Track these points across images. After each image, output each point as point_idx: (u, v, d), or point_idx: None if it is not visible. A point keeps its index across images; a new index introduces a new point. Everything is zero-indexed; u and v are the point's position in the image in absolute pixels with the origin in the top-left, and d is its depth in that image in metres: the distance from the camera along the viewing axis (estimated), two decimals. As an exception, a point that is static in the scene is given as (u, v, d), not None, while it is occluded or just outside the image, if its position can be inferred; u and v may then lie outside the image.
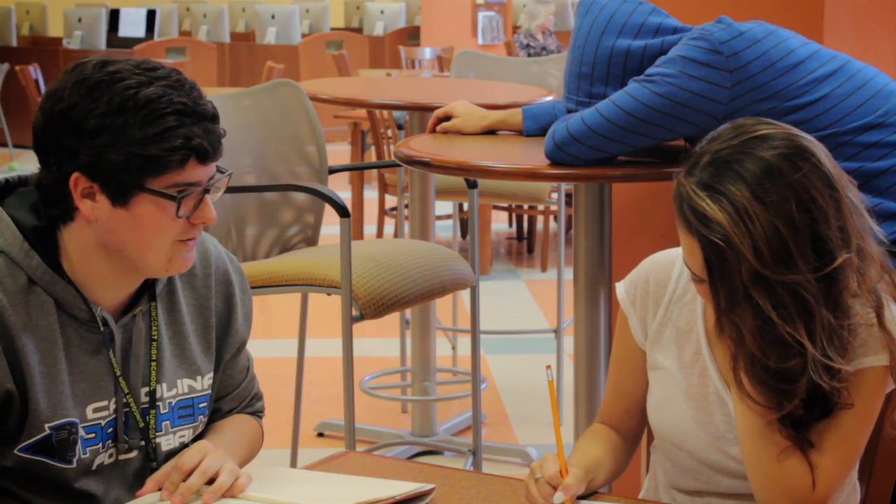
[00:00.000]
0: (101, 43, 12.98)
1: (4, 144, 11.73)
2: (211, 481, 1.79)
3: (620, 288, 2.06)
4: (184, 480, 1.78)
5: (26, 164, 11.48)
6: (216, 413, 2.04)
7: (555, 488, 1.79)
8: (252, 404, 2.11)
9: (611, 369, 2.09)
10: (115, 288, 1.85)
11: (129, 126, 1.73)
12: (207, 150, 1.77)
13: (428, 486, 1.84)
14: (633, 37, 2.76)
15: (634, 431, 2.09)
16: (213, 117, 1.80)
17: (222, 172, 1.85)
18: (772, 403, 1.80)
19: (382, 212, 7.13)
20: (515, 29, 12.04)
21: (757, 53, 2.59)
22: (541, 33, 10.30)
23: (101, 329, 1.84)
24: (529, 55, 9.99)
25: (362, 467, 2.01)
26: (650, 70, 2.67)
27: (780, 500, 1.84)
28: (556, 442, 1.84)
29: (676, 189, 1.81)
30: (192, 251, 1.85)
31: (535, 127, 3.14)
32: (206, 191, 1.81)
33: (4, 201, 1.85)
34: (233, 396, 2.07)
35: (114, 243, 1.80)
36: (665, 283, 2.02)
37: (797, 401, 1.80)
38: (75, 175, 1.76)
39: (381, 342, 5.70)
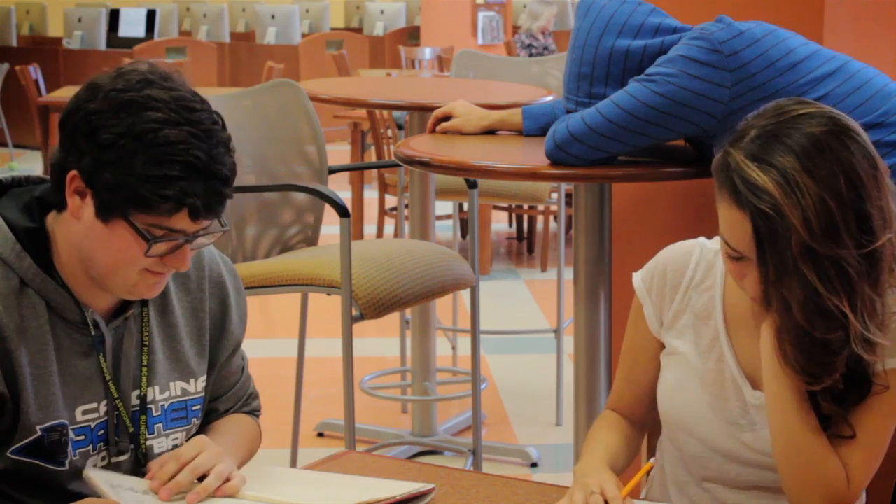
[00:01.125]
0: (101, 43, 12.98)
1: (4, 144, 11.72)
2: (204, 478, 1.79)
3: (637, 277, 2.07)
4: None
5: (26, 164, 11.48)
6: (212, 413, 2.04)
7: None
8: (248, 403, 2.11)
9: (622, 357, 2.10)
10: (102, 291, 1.84)
11: (136, 157, 1.71)
12: (199, 211, 1.73)
13: (428, 487, 1.84)
14: (633, 37, 2.76)
15: (643, 419, 2.10)
16: (226, 179, 1.75)
17: (223, 225, 1.82)
18: (813, 375, 1.81)
19: (382, 212, 7.13)
20: (515, 29, 12.04)
21: (757, 53, 2.59)
22: (541, 34, 10.30)
23: (93, 332, 1.83)
24: (531, 55, 9.98)
25: (362, 467, 2.01)
26: (650, 70, 2.67)
27: (817, 498, 1.84)
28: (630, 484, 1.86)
29: (723, 160, 1.81)
30: (159, 283, 1.82)
31: (534, 127, 3.14)
32: (189, 240, 1.78)
33: None
34: (228, 396, 2.06)
35: (87, 250, 1.78)
36: (683, 270, 2.02)
37: (837, 375, 1.81)
38: (74, 172, 1.75)
39: (381, 342, 5.70)
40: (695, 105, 2.61)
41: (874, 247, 1.75)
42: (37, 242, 1.80)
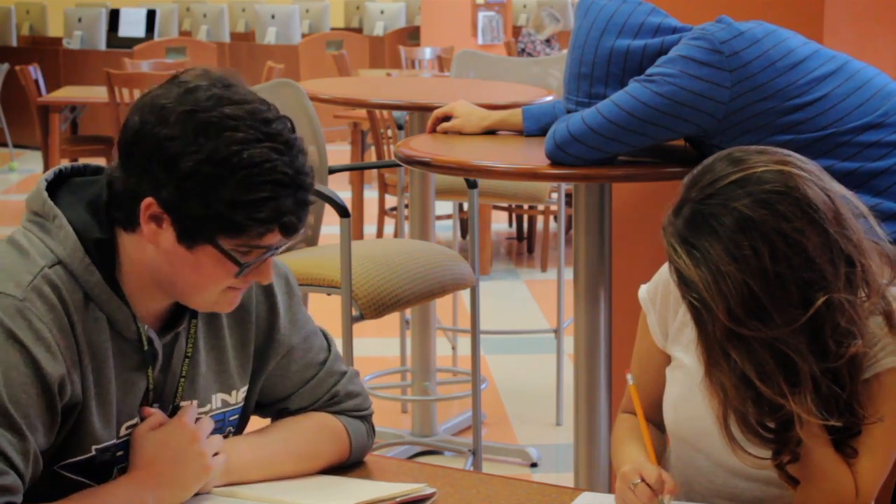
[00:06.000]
0: (101, 43, 12.98)
1: (4, 144, 11.72)
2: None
3: (643, 289, 2.07)
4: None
5: (26, 164, 11.48)
6: (284, 413, 1.97)
7: (653, 490, 1.77)
8: (338, 403, 1.98)
9: (632, 363, 2.10)
10: (159, 300, 1.78)
11: (225, 183, 1.63)
12: (295, 227, 1.69)
13: (429, 490, 1.83)
14: (633, 37, 2.76)
15: (659, 421, 2.09)
16: (310, 186, 1.70)
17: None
18: (770, 451, 1.82)
19: (382, 212, 7.13)
20: (516, 29, 12.04)
21: (757, 53, 2.59)
22: (545, 40, 10.39)
23: (146, 348, 1.77)
24: (548, 54, 10.06)
25: (362, 467, 2.01)
26: (650, 70, 2.67)
27: None
28: (646, 443, 1.86)
29: (663, 232, 1.81)
30: (238, 297, 1.78)
31: (535, 127, 3.14)
32: (274, 252, 1.73)
33: (59, 199, 1.74)
34: (300, 394, 1.96)
35: (167, 274, 1.73)
36: None
37: (796, 447, 1.80)
38: (150, 200, 1.67)
39: (381, 342, 5.70)
40: (695, 105, 2.60)
41: (806, 317, 1.72)
42: (104, 254, 1.72)
